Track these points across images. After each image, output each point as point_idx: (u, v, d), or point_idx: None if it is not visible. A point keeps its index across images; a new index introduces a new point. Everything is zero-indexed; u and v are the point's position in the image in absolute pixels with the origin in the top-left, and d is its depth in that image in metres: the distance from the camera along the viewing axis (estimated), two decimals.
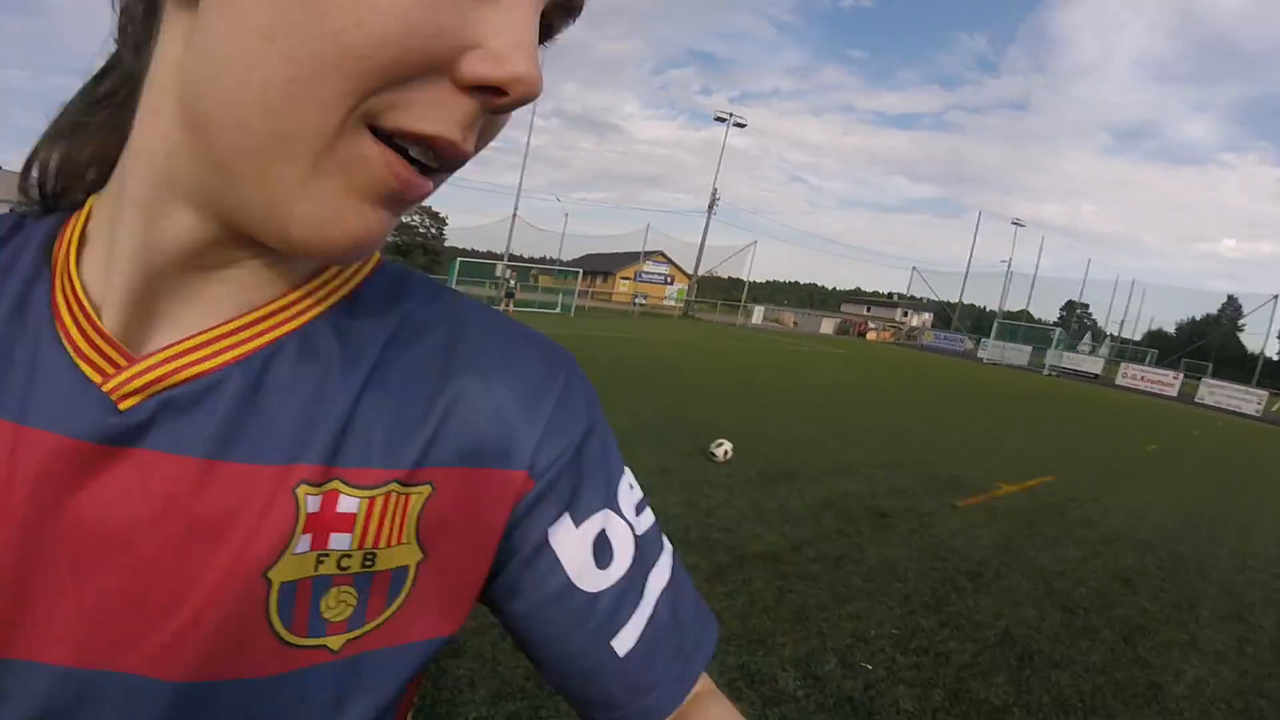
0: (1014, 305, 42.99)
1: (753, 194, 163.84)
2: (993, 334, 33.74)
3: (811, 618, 3.22)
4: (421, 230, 65.42)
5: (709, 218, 45.62)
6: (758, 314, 45.27)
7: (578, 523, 0.43)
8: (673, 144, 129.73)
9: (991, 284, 49.42)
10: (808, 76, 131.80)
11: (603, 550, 0.44)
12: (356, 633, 0.37)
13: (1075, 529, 5.42)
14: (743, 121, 47.77)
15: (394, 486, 0.37)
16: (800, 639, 3.00)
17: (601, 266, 55.30)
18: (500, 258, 39.14)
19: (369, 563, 0.37)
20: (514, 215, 40.24)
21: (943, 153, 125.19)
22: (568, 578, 0.42)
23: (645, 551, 0.46)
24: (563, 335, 22.59)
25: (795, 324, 46.57)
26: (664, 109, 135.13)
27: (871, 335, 41.89)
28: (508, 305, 34.63)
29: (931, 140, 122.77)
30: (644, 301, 45.62)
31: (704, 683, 0.48)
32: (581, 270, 39.14)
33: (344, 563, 0.36)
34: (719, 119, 46.39)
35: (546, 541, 0.42)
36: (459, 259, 37.61)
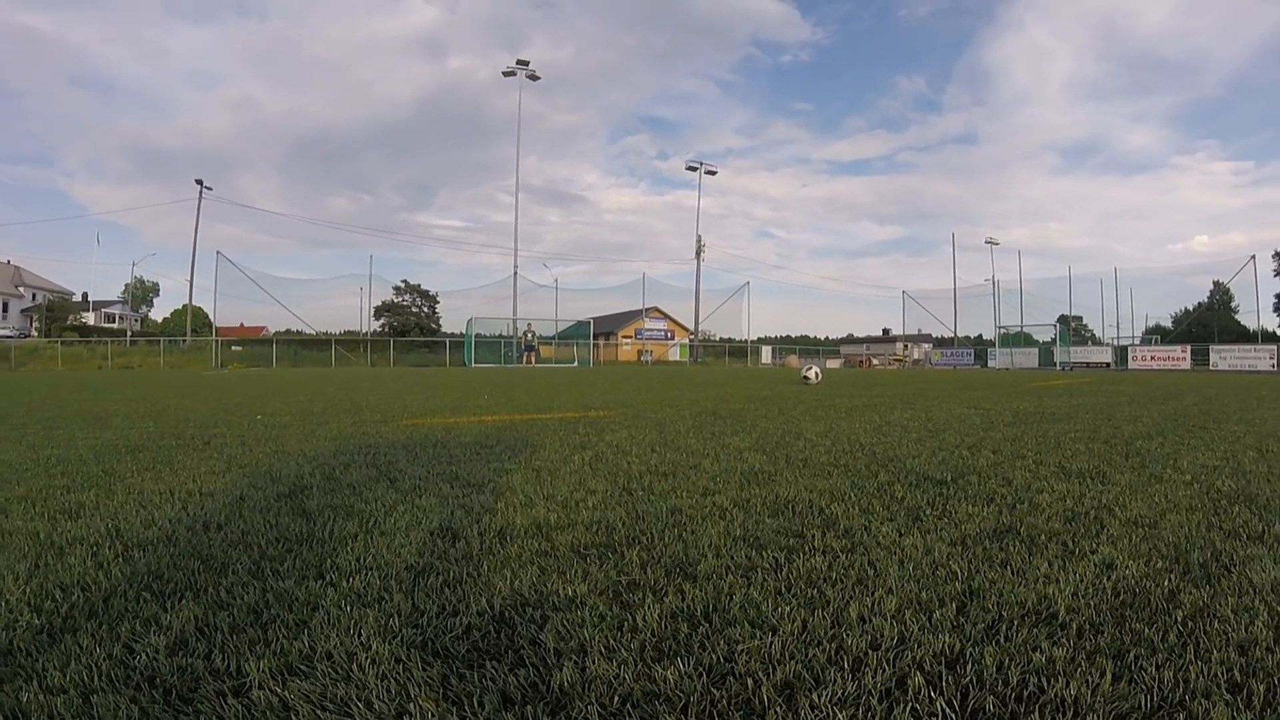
0: (1009, 325, 44.17)
1: (725, 254, 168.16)
2: (996, 343, 34.52)
3: None
4: (415, 310, 65.86)
5: (699, 263, 46.79)
6: (766, 354, 45.80)
7: None
8: (638, 210, 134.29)
9: (981, 304, 50.68)
10: (758, 133, 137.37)
11: None
12: None
13: None
14: (714, 169, 49.59)
15: None
16: None
17: (601, 328, 55.42)
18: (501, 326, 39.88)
19: None
20: (515, 273, 41.08)
21: (901, 193, 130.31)
22: None
23: None
24: (638, 373, 23.02)
25: (800, 366, 47.16)
26: (624, 176, 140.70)
27: (878, 363, 42.54)
28: (530, 359, 35.07)
29: (888, 182, 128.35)
30: (650, 358, 46.10)
31: None
32: (592, 322, 39.84)
33: None
34: (690, 168, 48.29)
35: None
36: (472, 318, 38.23)
